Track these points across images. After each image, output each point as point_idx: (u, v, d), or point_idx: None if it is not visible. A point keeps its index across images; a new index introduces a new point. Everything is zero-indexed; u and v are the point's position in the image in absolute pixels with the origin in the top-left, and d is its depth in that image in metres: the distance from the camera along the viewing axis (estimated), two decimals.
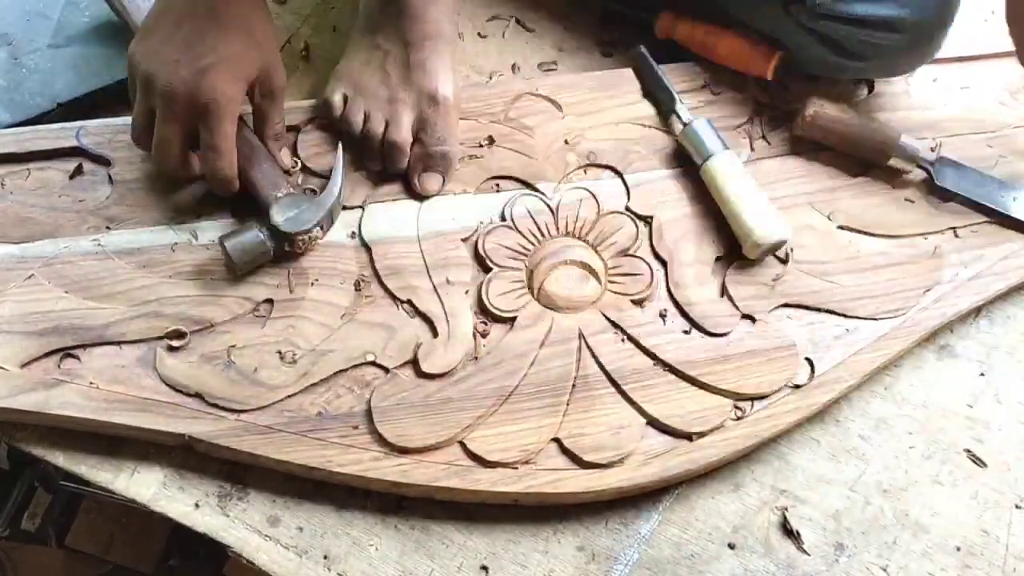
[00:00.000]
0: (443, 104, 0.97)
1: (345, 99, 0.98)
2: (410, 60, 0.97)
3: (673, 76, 1.06)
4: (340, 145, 0.95)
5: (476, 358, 0.89)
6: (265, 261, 0.90)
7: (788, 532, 0.89)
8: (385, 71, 0.98)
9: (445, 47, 0.99)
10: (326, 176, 0.97)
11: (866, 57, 1.00)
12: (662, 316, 0.93)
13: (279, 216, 0.88)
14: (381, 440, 0.85)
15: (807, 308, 0.95)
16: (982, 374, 0.98)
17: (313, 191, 0.95)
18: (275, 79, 0.89)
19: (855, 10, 0.96)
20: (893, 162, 1.01)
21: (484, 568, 0.85)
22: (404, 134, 0.96)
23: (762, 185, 0.98)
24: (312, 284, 0.91)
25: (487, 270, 0.94)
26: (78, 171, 0.95)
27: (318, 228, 0.90)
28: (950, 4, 0.96)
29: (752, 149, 1.03)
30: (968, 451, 0.94)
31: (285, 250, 0.90)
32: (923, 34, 0.97)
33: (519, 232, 0.96)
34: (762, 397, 0.90)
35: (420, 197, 0.97)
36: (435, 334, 0.90)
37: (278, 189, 0.90)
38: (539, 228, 0.96)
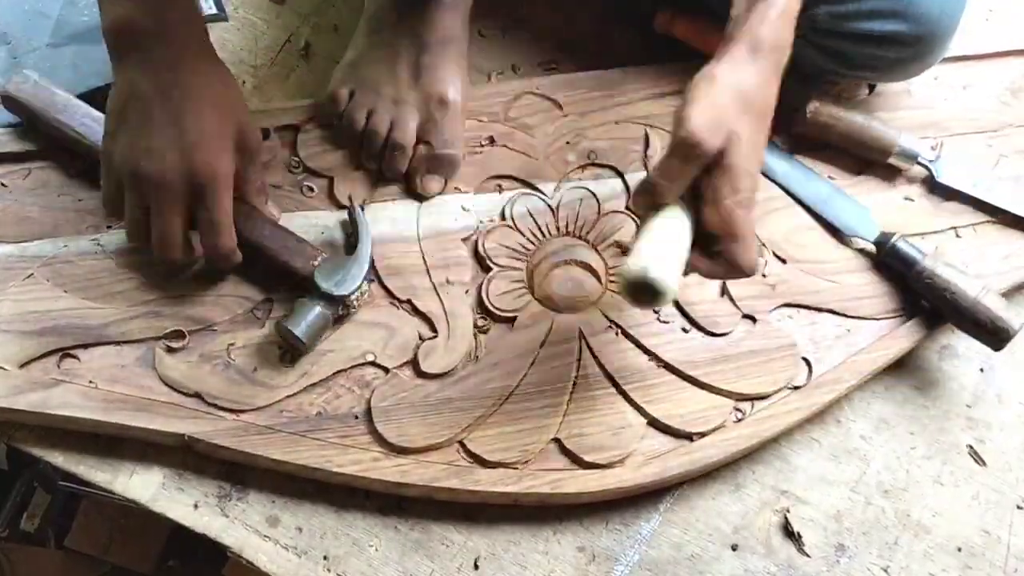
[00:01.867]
0: (452, 108, 0.96)
1: (350, 95, 0.98)
2: (421, 62, 0.97)
3: (673, 76, 1.05)
4: (357, 206, 0.93)
5: (476, 358, 0.89)
6: (327, 329, 0.88)
7: (789, 533, 0.89)
8: (394, 70, 0.97)
9: (456, 50, 0.99)
10: (326, 175, 0.97)
11: (868, 68, 1.00)
12: (656, 312, 0.93)
13: (328, 283, 0.86)
14: (381, 440, 0.85)
15: (807, 308, 0.95)
16: (983, 373, 0.98)
17: (349, 239, 0.94)
18: (250, 138, 0.86)
19: (857, 27, 0.95)
20: (893, 161, 1.01)
21: (481, 567, 0.85)
22: (409, 136, 0.96)
23: (762, 183, 0.99)
24: None
25: (487, 270, 0.93)
26: (79, 172, 0.95)
27: (366, 282, 0.89)
28: (953, 17, 0.95)
29: None
30: (970, 447, 0.94)
31: (340, 313, 0.89)
32: (926, 47, 0.96)
33: (519, 232, 0.96)
34: (763, 397, 0.90)
35: (419, 197, 0.96)
36: (435, 334, 0.90)
37: (312, 258, 0.88)
38: (539, 228, 0.96)
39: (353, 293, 0.87)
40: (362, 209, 0.93)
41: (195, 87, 0.80)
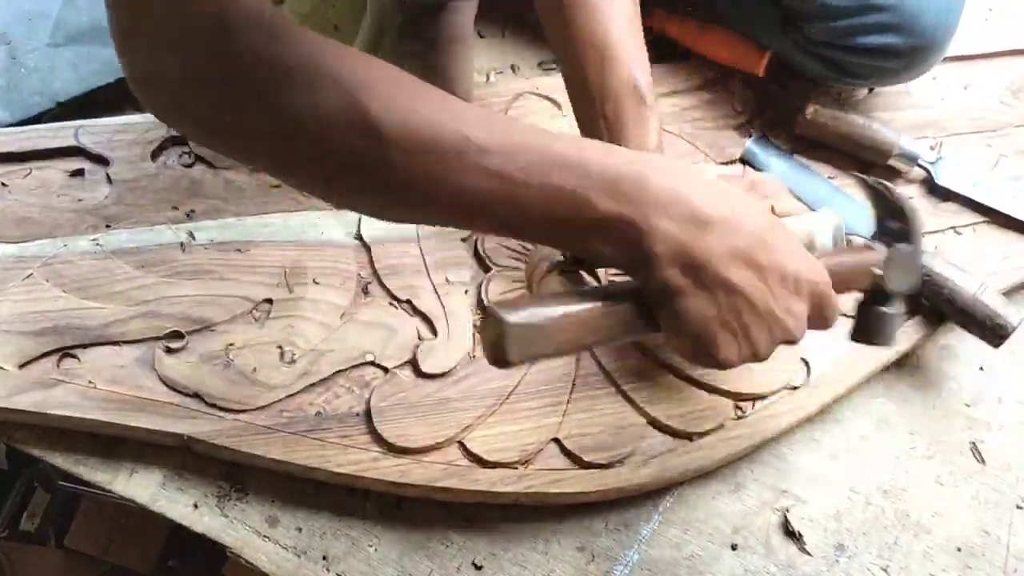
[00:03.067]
0: None
1: None
2: (430, 62, 0.97)
3: (672, 76, 1.05)
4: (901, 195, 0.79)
5: (475, 358, 0.89)
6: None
7: (789, 533, 0.89)
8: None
9: (465, 52, 0.99)
10: None
11: (864, 76, 1.01)
12: None
13: (901, 285, 0.76)
14: (380, 440, 0.85)
15: None
16: (983, 373, 0.98)
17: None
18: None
19: (854, 41, 0.96)
20: (893, 162, 1.01)
21: (481, 567, 0.85)
22: None
23: None
24: (311, 284, 0.91)
25: (487, 270, 0.93)
26: (79, 173, 0.95)
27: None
28: (948, 28, 0.96)
29: None
30: (972, 443, 0.94)
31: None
32: (921, 58, 0.96)
33: None
34: (763, 397, 0.90)
35: None
36: (435, 334, 0.90)
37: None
38: None
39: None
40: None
41: (764, 233, 0.63)
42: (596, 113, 0.78)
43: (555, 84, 1.04)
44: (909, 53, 0.95)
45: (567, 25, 0.79)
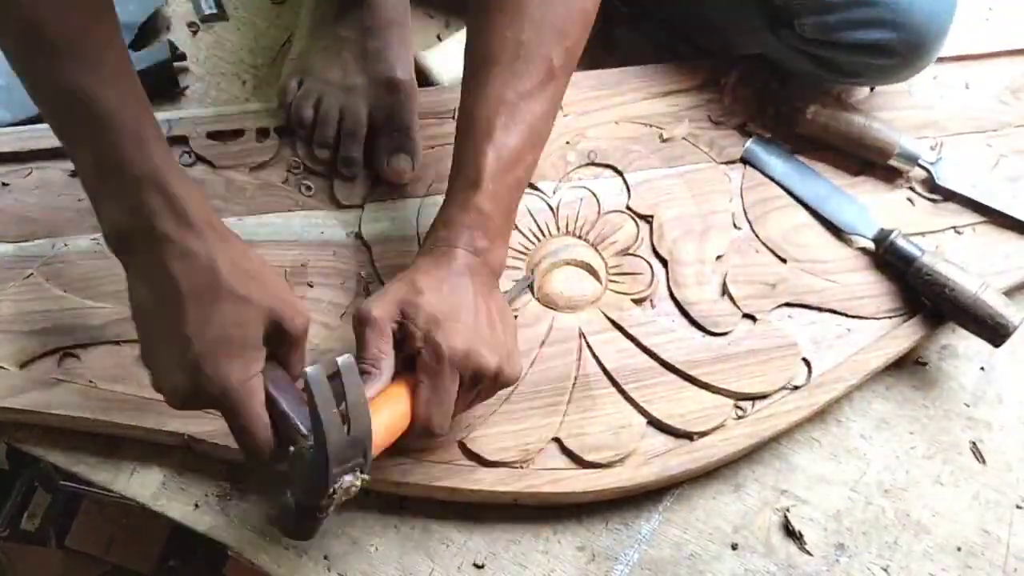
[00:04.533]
0: (402, 89, 0.96)
1: (299, 85, 0.98)
2: (367, 47, 0.97)
3: (673, 76, 1.05)
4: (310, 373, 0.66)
5: None
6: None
7: (789, 532, 0.89)
8: (340, 57, 0.97)
9: (401, 33, 0.99)
10: (325, 175, 0.97)
11: (860, 75, 1.00)
12: (651, 304, 0.93)
13: (294, 489, 0.71)
14: None
15: (808, 307, 0.95)
16: (983, 372, 0.98)
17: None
18: (288, 324, 0.71)
19: (845, 37, 0.95)
20: (893, 161, 1.01)
21: (481, 567, 0.85)
22: (360, 121, 0.95)
23: (762, 183, 0.99)
24: (311, 284, 0.91)
25: None
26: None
27: (349, 476, 0.69)
28: (941, 25, 0.95)
29: None
30: (972, 443, 0.94)
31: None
32: (914, 55, 0.96)
33: (519, 231, 0.96)
34: (763, 397, 0.90)
35: (396, 188, 0.96)
36: None
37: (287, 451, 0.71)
38: (539, 227, 0.96)
39: (326, 498, 0.68)
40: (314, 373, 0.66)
41: (193, 294, 0.68)
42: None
43: None
44: (902, 50, 0.95)
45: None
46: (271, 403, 0.70)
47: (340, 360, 0.67)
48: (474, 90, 0.80)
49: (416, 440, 0.76)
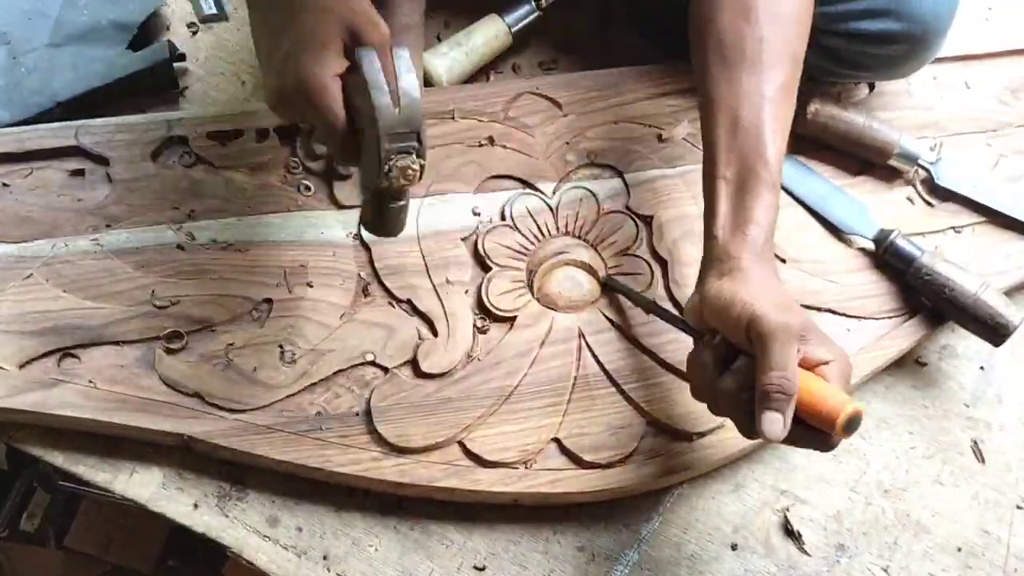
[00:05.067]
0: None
1: None
2: None
3: (673, 76, 1.05)
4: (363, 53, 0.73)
5: (476, 358, 0.89)
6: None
7: (789, 532, 0.89)
8: None
9: (413, 37, 0.98)
10: (324, 176, 0.97)
11: (863, 67, 1.00)
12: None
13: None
14: (381, 440, 0.85)
15: (807, 307, 0.95)
16: (983, 372, 0.98)
17: None
18: (364, 34, 0.75)
19: (849, 26, 0.95)
20: (893, 161, 1.01)
21: (481, 568, 0.85)
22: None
23: None
24: (311, 284, 0.91)
25: (487, 269, 0.93)
26: (79, 172, 0.95)
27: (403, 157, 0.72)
28: (946, 15, 0.95)
29: None
30: (973, 441, 0.94)
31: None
32: (919, 45, 0.96)
33: (519, 231, 0.96)
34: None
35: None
36: (435, 334, 0.90)
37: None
38: (539, 227, 0.96)
39: (385, 177, 0.72)
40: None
41: (284, 3, 0.75)
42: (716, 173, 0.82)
43: (555, 84, 1.04)
44: (906, 40, 0.95)
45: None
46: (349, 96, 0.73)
47: (395, 49, 0.73)
48: (726, 97, 0.83)
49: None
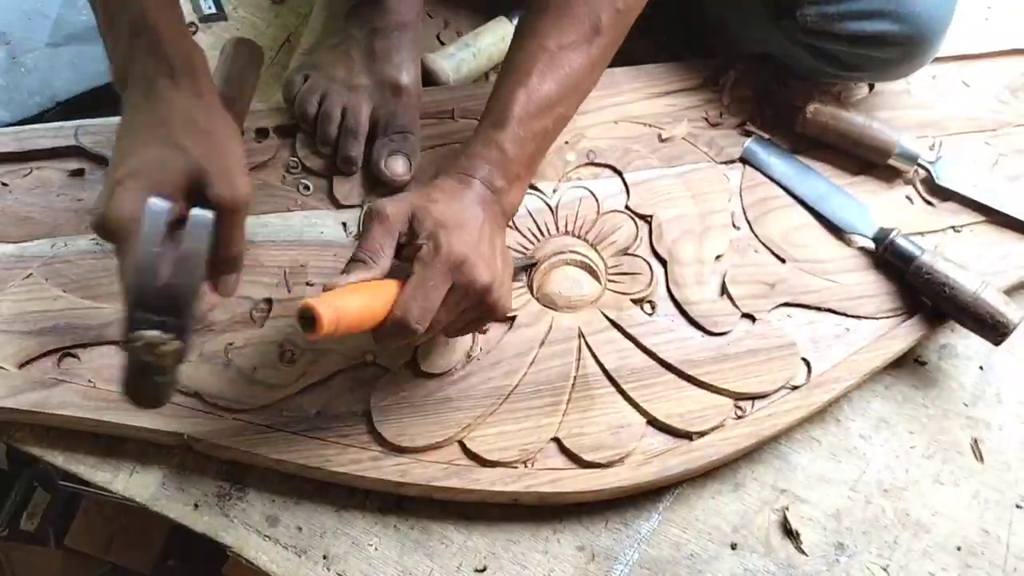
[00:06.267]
0: (405, 94, 0.97)
1: (304, 80, 0.98)
2: (375, 48, 0.97)
3: (672, 76, 1.05)
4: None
5: (476, 357, 0.89)
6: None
7: (787, 531, 0.89)
8: (348, 56, 0.97)
9: (410, 36, 0.99)
10: (325, 175, 0.97)
11: (860, 69, 1.00)
12: (651, 306, 0.93)
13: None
14: (380, 440, 0.85)
15: (807, 307, 0.95)
16: (982, 372, 0.98)
17: None
18: (212, 186, 0.69)
19: (846, 27, 0.95)
20: (893, 161, 1.01)
21: (481, 568, 0.85)
22: (361, 121, 0.96)
23: (761, 183, 0.99)
24: (311, 284, 0.91)
25: None
26: (78, 172, 0.95)
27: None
28: (942, 17, 0.95)
29: None
30: (974, 440, 0.94)
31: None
32: (917, 47, 0.96)
33: (519, 231, 0.96)
34: (762, 396, 0.90)
35: (396, 188, 0.96)
36: None
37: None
38: (539, 227, 0.96)
39: (128, 345, 0.65)
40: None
41: (138, 126, 0.71)
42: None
43: None
44: (904, 42, 0.95)
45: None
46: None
47: (193, 212, 0.64)
48: (518, 39, 0.84)
49: (389, 335, 0.74)
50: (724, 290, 0.94)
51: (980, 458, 0.94)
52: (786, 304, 0.95)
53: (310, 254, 0.93)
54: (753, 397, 0.90)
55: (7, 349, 0.85)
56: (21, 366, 0.85)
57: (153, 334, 0.63)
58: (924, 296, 0.95)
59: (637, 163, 1.00)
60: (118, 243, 0.68)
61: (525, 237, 0.95)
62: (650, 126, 1.03)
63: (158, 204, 0.63)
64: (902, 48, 0.96)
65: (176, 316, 0.63)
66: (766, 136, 1.03)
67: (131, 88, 0.73)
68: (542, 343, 0.90)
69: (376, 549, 0.85)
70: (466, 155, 0.81)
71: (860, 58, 0.98)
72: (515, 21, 1.08)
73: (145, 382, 0.67)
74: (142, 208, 0.64)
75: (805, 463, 0.92)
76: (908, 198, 1.02)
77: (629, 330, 0.91)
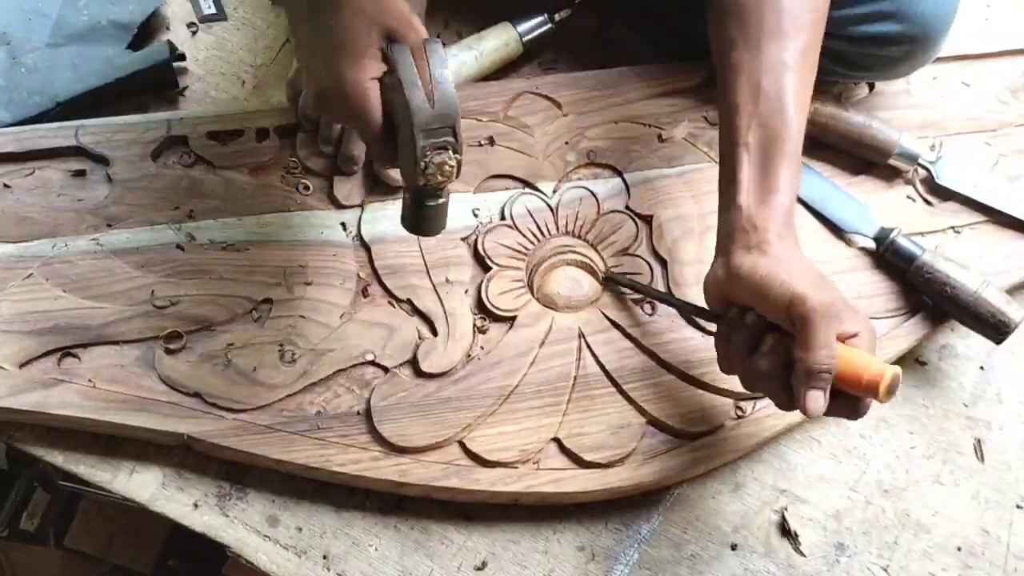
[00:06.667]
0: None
1: None
2: None
3: (672, 76, 1.05)
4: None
5: (476, 358, 0.89)
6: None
7: (785, 531, 0.89)
8: None
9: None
10: (325, 175, 0.97)
11: (864, 68, 1.00)
12: (651, 305, 0.93)
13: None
14: (380, 440, 0.85)
15: None
16: (983, 372, 0.98)
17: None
18: (402, 36, 0.75)
19: (852, 29, 0.96)
20: (893, 161, 1.01)
21: (481, 567, 0.85)
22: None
23: None
24: (311, 284, 0.91)
25: (487, 269, 0.93)
26: (80, 173, 0.95)
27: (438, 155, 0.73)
28: (946, 16, 0.96)
29: None
30: (976, 439, 0.94)
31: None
32: (920, 46, 0.96)
33: (519, 231, 0.96)
34: (763, 396, 0.90)
35: (396, 188, 0.95)
36: (435, 333, 0.90)
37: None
38: (539, 227, 0.96)
39: (422, 174, 0.72)
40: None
41: (319, 7, 0.75)
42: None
43: (555, 83, 1.04)
44: (907, 41, 0.95)
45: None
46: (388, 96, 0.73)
47: (428, 44, 0.72)
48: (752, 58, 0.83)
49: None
50: None
51: (981, 458, 0.94)
52: None
53: (310, 254, 0.93)
54: (754, 397, 0.90)
55: (7, 349, 0.85)
56: (21, 366, 0.85)
57: (445, 153, 0.72)
58: (925, 296, 0.95)
59: (637, 163, 1.00)
60: (353, 109, 0.74)
61: (525, 237, 0.95)
62: (650, 126, 1.03)
63: (401, 49, 0.72)
64: (906, 47, 0.96)
65: (451, 134, 0.72)
66: None
67: None
68: (542, 343, 0.90)
69: (376, 549, 0.85)
70: (781, 196, 0.80)
71: (864, 57, 0.98)
72: (519, 28, 1.08)
73: (427, 210, 0.75)
74: (363, 66, 0.73)
75: (805, 463, 0.92)
76: (909, 198, 1.02)
77: (629, 330, 0.91)
